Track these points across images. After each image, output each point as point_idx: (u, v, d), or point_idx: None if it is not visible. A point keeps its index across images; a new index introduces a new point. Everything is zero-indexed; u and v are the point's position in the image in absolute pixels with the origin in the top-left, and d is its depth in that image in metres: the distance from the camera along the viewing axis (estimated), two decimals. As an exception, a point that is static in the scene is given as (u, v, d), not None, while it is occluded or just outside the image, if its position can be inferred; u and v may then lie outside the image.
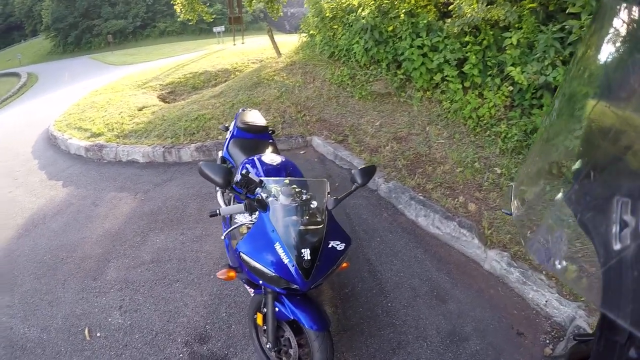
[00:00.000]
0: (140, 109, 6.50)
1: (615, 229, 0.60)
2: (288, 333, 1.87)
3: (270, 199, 1.80)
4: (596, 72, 0.88)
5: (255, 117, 3.15)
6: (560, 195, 0.92)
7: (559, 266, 0.78)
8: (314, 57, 7.10)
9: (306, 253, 1.64)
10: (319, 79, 6.41)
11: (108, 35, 35.70)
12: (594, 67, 0.90)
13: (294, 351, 1.86)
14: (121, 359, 2.55)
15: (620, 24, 0.80)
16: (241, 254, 1.75)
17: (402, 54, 5.39)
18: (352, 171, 1.95)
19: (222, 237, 2.10)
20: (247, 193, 1.82)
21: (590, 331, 2.02)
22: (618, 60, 0.78)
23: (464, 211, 3.47)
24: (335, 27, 6.50)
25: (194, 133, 5.03)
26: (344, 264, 1.90)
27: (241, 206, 1.77)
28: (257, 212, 1.81)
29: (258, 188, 1.84)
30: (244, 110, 3.26)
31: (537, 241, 0.87)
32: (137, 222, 3.93)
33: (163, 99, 7.47)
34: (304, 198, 1.83)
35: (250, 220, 1.84)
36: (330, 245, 1.75)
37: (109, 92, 8.11)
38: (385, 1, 5.64)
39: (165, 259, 3.35)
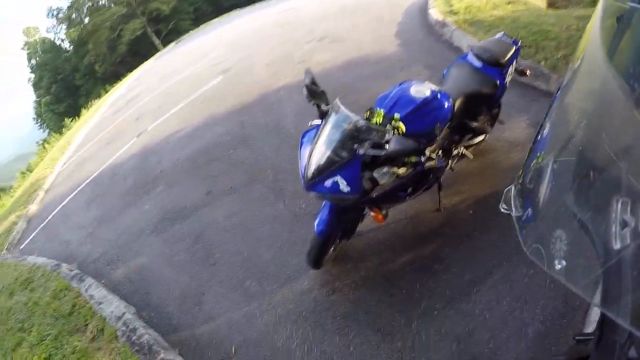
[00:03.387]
0: (508, 3, 7.16)
1: (615, 228, 0.72)
2: None
3: (332, 114, 2.53)
4: (596, 70, 1.07)
5: (501, 48, 3.35)
6: (560, 195, 1.09)
7: (559, 266, 0.92)
8: None
9: (311, 167, 2.43)
10: None
11: None
12: (594, 66, 1.10)
13: None
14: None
15: (620, 23, 0.98)
16: (301, 138, 2.72)
17: None
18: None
19: (309, 124, 2.89)
20: (314, 100, 2.61)
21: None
22: (618, 59, 0.95)
23: None
24: None
25: (524, 47, 5.29)
26: (379, 217, 2.65)
27: (325, 108, 2.66)
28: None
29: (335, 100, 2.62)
30: (501, 37, 3.50)
31: (537, 241, 1.06)
32: None
33: (553, 2, 7.69)
34: (350, 131, 2.40)
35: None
36: (334, 179, 2.39)
37: None
38: None
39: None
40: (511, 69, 3.39)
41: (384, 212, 2.66)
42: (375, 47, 7.28)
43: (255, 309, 3.14)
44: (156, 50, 31.05)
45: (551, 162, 1.21)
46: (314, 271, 3.11)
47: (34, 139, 36.16)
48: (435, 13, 7.51)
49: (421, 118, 2.65)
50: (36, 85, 40.35)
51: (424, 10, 8.54)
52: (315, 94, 2.62)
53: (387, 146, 2.28)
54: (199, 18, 40.45)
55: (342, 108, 2.48)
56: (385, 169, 2.44)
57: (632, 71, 0.87)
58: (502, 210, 1.47)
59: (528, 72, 3.56)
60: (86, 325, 3.59)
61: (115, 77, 29.52)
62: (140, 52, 34.29)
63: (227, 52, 12.10)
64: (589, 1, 7.21)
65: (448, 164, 3.08)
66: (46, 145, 17.10)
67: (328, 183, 2.40)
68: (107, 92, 21.72)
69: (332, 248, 2.93)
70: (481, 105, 3.26)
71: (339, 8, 11.03)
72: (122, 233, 4.97)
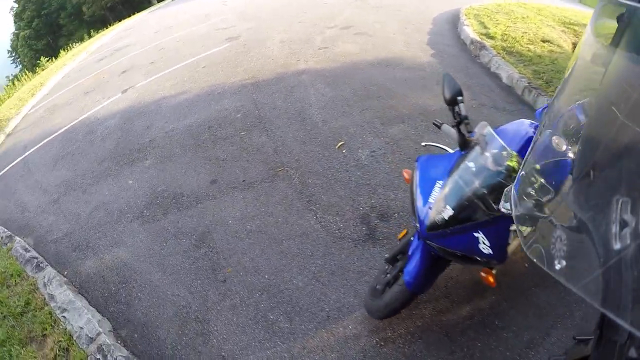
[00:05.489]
0: (543, 41, 7.04)
1: (615, 228, 0.72)
2: (400, 263, 2.34)
3: (477, 147, 1.93)
4: (596, 70, 1.06)
5: None
6: (560, 194, 1.10)
7: (559, 266, 0.92)
8: None
9: (446, 212, 1.84)
10: None
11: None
12: (593, 66, 1.09)
13: (388, 277, 2.38)
14: (333, 177, 3.55)
15: (620, 22, 0.97)
16: (415, 163, 2.17)
17: None
18: None
19: (422, 144, 2.52)
20: (459, 123, 2.00)
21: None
22: (618, 59, 0.94)
23: None
24: None
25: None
26: (491, 279, 2.01)
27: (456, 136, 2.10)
28: (457, 149, 2.10)
29: (476, 129, 2.03)
30: None
31: (537, 241, 1.04)
32: (439, 116, 4.58)
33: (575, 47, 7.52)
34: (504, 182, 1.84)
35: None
36: (476, 236, 1.83)
37: (532, 11, 8.98)
38: None
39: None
40: None
41: (494, 271, 2.07)
42: (406, 52, 6.66)
43: (283, 353, 2.43)
44: (150, 3, 29.14)
45: (551, 162, 1.27)
46: (361, 313, 2.56)
47: (4, 73, 33.15)
48: (471, 32, 7.23)
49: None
50: (17, 16, 37.55)
51: (453, 23, 8.24)
52: (459, 115, 2.03)
53: None
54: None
55: (499, 140, 1.88)
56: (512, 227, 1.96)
57: (632, 71, 0.88)
58: (502, 210, 1.55)
59: None
60: (44, 336, 2.71)
61: (102, 22, 27.68)
62: (133, 1, 32.40)
63: (233, 19, 10.98)
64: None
65: None
66: (16, 83, 15.16)
67: (462, 238, 1.86)
68: (91, 37, 19.89)
69: None
70: None
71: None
72: (95, 210, 3.97)
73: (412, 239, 2.25)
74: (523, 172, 1.35)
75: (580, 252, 0.93)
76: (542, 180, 1.26)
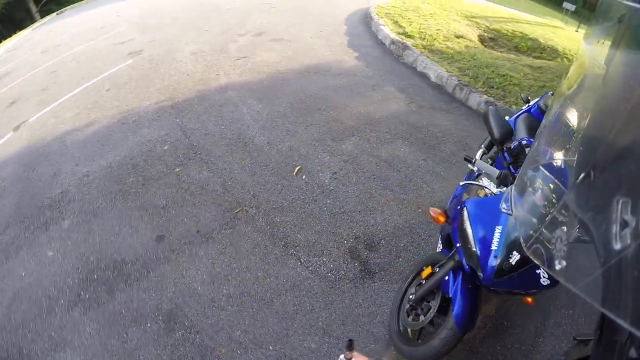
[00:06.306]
0: (457, 37, 7.43)
1: (615, 228, 0.73)
2: (434, 304, 2.23)
3: (530, 188, 1.91)
4: (596, 71, 1.10)
5: None
6: (559, 195, 1.17)
7: (559, 266, 0.96)
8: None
9: (513, 257, 1.83)
10: None
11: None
12: (594, 67, 1.14)
13: (422, 320, 2.24)
14: (303, 211, 3.13)
15: (620, 23, 1.00)
16: (464, 209, 2.07)
17: None
18: None
19: (460, 184, 2.46)
20: (510, 164, 2.04)
21: None
22: (618, 60, 0.98)
23: None
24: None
25: (492, 87, 5.28)
26: (529, 299, 2.12)
27: (495, 171, 2.09)
28: (503, 188, 2.10)
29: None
30: (552, 94, 3.39)
31: (537, 241, 1.06)
32: (386, 124, 4.38)
33: (482, 40, 8.25)
34: None
35: (492, 193, 2.14)
36: (538, 272, 1.88)
37: (436, 7, 9.58)
38: None
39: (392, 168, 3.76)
40: None
41: None
42: (330, 56, 6.48)
43: None
44: (32, 20, 25.90)
45: (551, 162, 1.28)
46: (388, 357, 2.41)
47: None
48: (390, 32, 7.36)
49: None
50: None
51: (366, 24, 8.34)
52: (513, 156, 2.14)
53: None
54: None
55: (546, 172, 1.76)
56: None
57: (632, 72, 0.88)
58: (502, 210, 1.64)
59: None
60: None
61: (-20, 46, 24.33)
62: (14, 19, 28.64)
63: (130, 31, 9.83)
64: (511, 47, 8.07)
65: None
66: None
67: (527, 278, 1.89)
68: (-31, 65, 17.28)
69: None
70: None
71: (264, 3, 9.91)
72: (15, 300, 3.05)
73: (446, 278, 2.18)
74: (524, 174, 1.37)
75: (581, 252, 0.92)
76: (543, 180, 1.28)
